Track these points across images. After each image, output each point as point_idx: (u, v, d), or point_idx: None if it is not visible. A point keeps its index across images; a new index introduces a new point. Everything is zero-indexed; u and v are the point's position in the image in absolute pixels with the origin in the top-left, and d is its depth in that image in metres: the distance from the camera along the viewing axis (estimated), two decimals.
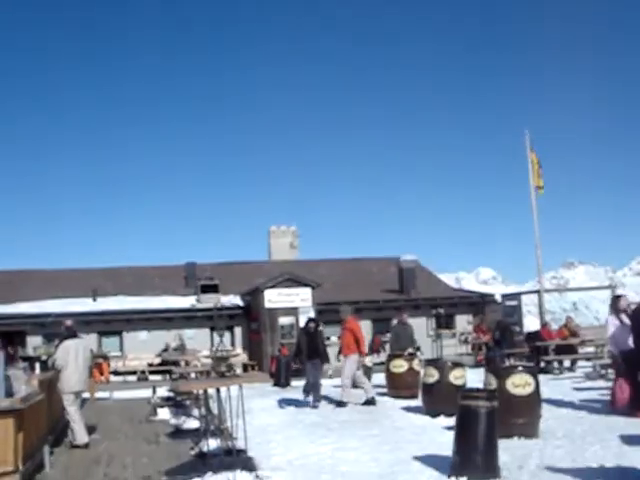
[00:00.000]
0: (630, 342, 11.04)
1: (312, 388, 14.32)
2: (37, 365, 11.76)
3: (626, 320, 11.41)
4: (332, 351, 16.73)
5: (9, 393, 8.22)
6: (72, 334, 11.11)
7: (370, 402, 14.12)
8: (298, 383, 17.52)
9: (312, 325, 15.06)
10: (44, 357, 12.30)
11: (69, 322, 11.37)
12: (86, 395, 13.65)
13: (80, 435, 10.74)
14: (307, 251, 75.73)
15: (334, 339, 29.48)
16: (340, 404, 14.02)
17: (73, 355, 10.77)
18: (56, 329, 13.44)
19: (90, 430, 11.41)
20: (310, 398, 14.26)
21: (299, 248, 39.24)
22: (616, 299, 12.35)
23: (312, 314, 23.97)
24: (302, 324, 17.73)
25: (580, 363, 20.37)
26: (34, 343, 25.58)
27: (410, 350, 17.12)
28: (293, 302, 26.79)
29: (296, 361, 15.15)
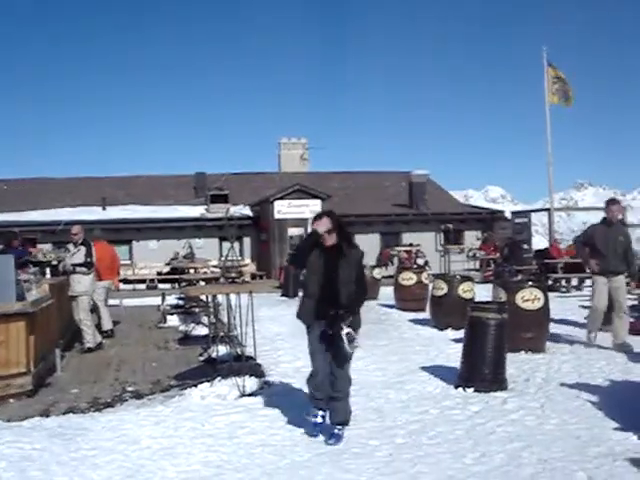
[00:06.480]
0: None
1: (323, 390, 6.09)
2: (47, 270, 11.79)
3: None
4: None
5: (20, 297, 8.24)
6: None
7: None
8: None
9: (326, 226, 6.03)
10: (55, 262, 12.29)
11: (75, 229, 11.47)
12: None
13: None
14: (318, 164, 75.43)
15: None
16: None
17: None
18: (65, 237, 13.44)
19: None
20: (319, 415, 6.16)
21: (309, 161, 38.87)
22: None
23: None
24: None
25: (588, 282, 20.35)
26: (44, 250, 25.68)
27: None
28: (303, 213, 26.64)
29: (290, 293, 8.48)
